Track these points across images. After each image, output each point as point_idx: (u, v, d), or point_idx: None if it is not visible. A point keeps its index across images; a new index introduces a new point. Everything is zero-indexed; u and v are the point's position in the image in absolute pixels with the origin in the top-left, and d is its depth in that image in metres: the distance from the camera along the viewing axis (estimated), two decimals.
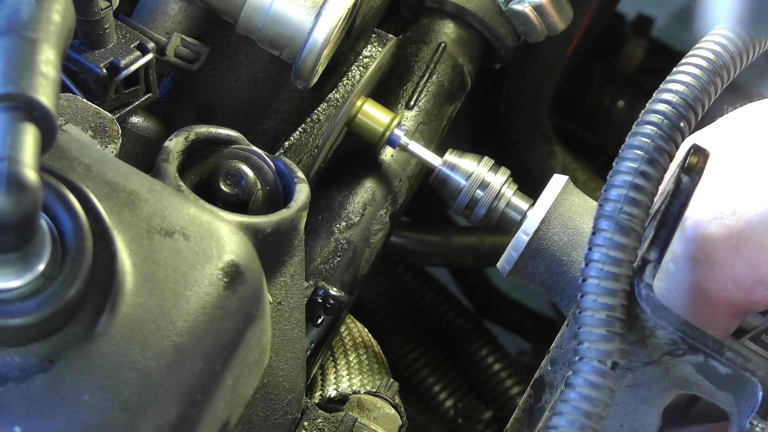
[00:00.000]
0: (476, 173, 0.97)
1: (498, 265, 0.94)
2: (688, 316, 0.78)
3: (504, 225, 0.97)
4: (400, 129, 1.00)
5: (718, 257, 0.76)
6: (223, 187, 0.80)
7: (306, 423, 0.86)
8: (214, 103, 1.00)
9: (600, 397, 0.69)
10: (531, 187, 0.97)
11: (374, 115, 1.00)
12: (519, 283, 0.97)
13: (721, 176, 0.78)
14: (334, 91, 1.05)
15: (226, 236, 0.70)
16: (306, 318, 0.88)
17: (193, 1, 0.94)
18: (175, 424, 0.65)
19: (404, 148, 1.00)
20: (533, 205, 0.95)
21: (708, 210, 0.77)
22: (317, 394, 0.97)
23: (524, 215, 0.95)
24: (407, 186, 1.04)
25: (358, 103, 1.00)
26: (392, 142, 1.00)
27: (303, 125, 1.04)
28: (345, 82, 1.06)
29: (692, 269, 0.77)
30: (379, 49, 1.04)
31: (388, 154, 1.03)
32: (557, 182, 0.93)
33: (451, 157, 0.98)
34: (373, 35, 1.06)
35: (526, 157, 1.38)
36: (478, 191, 0.97)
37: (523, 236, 0.92)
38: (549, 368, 0.82)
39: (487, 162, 0.98)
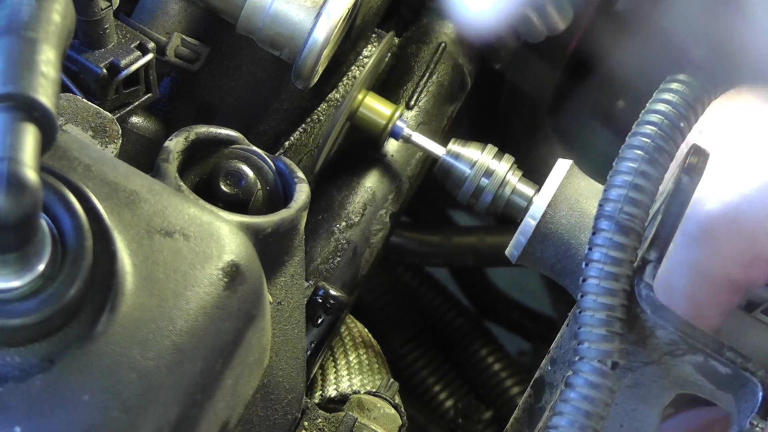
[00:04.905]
0: (480, 161, 0.97)
1: (507, 252, 0.93)
2: (689, 294, 0.78)
3: (510, 212, 0.97)
4: (402, 121, 1.00)
5: (716, 233, 0.76)
6: (223, 187, 0.80)
7: (306, 423, 0.86)
8: (214, 103, 1.00)
9: (600, 397, 0.69)
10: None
11: (376, 107, 1.00)
12: (519, 283, 0.97)
13: (718, 154, 0.78)
14: (334, 91, 1.05)
15: (226, 236, 0.70)
16: (306, 318, 0.88)
17: (193, 1, 0.94)
18: (175, 424, 0.65)
19: (407, 140, 1.00)
20: (539, 190, 0.95)
21: (705, 187, 0.76)
22: (317, 394, 0.97)
23: (530, 201, 0.95)
24: (407, 186, 1.04)
25: (360, 96, 1.00)
26: (395, 134, 1.00)
27: (303, 125, 1.04)
28: (345, 82, 1.06)
29: (691, 247, 0.77)
30: (377, 44, 1.04)
31: (388, 153, 1.03)
32: (562, 166, 0.93)
33: (454, 146, 0.98)
34: (373, 35, 1.06)
35: (526, 157, 1.38)
36: (483, 179, 0.97)
37: (530, 221, 0.91)
38: (549, 368, 0.82)
39: (491, 150, 0.98)
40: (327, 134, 0.98)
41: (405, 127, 0.99)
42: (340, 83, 1.05)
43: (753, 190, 0.75)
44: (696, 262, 0.77)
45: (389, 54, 1.09)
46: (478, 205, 0.98)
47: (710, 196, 0.76)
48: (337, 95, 1.05)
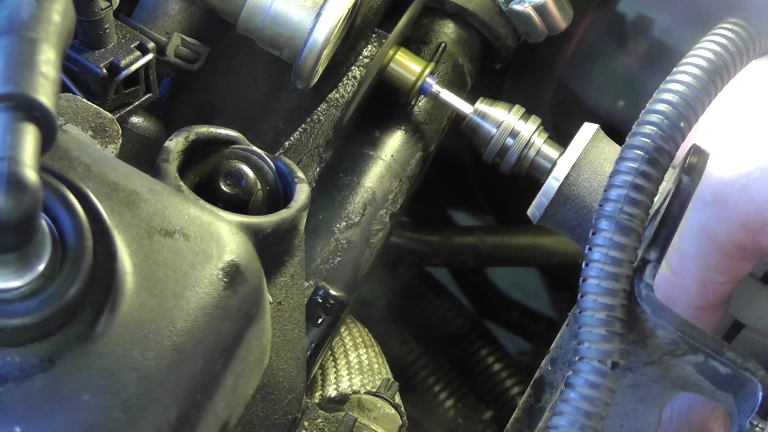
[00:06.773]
0: (507, 122, 0.98)
1: (528, 212, 0.94)
2: (699, 258, 0.78)
3: (534, 173, 0.98)
4: (431, 77, 1.01)
5: (726, 199, 0.76)
6: (223, 187, 0.80)
7: (306, 423, 0.86)
8: (214, 103, 1.00)
9: (600, 397, 0.69)
10: (531, 187, 0.97)
11: (407, 64, 1.02)
12: (519, 283, 0.97)
13: (731, 121, 0.78)
14: (334, 91, 1.05)
15: (226, 236, 0.70)
16: (306, 318, 0.88)
17: (193, 1, 0.94)
18: (175, 424, 0.65)
19: (435, 97, 1.01)
20: (563, 153, 0.96)
21: (717, 152, 0.77)
22: (317, 394, 0.97)
23: (554, 163, 0.96)
24: (407, 186, 1.04)
25: (390, 52, 1.01)
26: (424, 90, 1.01)
27: (303, 125, 1.04)
28: (345, 82, 1.06)
29: (702, 211, 0.77)
30: (377, 44, 1.04)
31: (388, 153, 1.03)
32: (587, 130, 0.94)
33: (482, 105, 1.00)
34: (373, 35, 1.06)
35: None
36: (508, 139, 0.98)
37: (553, 182, 0.92)
38: (549, 368, 0.82)
39: (518, 110, 0.99)
40: (357, 88, 0.99)
41: (434, 84, 1.01)
42: (340, 83, 1.05)
43: (766, 158, 0.75)
44: (706, 226, 0.77)
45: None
46: (503, 165, 0.99)
47: (723, 161, 0.76)
48: (337, 95, 1.05)
